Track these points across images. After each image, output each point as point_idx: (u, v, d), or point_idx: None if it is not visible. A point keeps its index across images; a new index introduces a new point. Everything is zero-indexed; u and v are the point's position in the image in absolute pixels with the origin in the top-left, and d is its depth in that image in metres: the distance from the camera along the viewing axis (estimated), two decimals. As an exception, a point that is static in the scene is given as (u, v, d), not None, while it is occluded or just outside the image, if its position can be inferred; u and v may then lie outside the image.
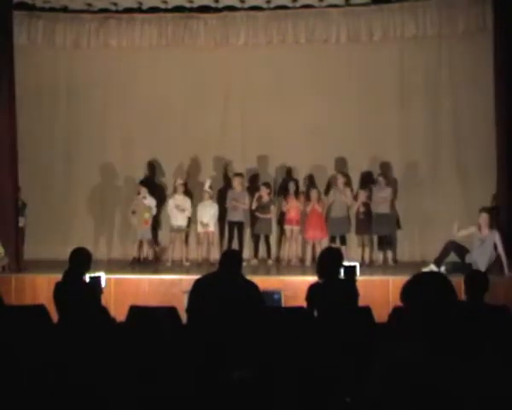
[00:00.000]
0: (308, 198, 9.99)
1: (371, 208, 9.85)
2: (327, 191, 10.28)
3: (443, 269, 8.22)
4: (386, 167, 10.44)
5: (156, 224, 10.41)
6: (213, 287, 4.89)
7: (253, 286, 4.96)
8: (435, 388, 2.31)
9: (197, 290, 4.94)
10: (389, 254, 9.94)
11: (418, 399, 2.32)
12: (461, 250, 8.50)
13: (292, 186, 10.06)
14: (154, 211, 10.06)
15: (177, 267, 9.61)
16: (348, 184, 10.17)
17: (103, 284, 5.81)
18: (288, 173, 10.64)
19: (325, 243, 9.71)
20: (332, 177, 10.46)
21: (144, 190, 9.99)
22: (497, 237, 8.26)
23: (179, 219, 9.92)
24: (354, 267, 5.48)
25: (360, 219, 9.91)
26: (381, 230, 9.84)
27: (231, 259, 5.02)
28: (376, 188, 9.88)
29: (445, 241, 8.73)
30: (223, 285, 4.84)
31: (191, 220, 10.20)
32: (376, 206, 9.78)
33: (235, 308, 4.71)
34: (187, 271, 9.28)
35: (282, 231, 10.35)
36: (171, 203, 9.99)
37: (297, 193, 10.11)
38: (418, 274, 2.61)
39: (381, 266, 9.73)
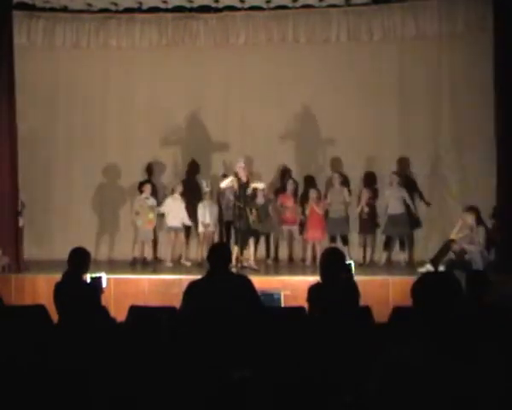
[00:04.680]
0: (306, 199, 10.01)
1: (382, 208, 9.80)
2: (327, 192, 10.28)
3: (442, 268, 8.22)
4: (401, 166, 10.40)
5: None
6: (206, 289, 4.86)
7: (247, 284, 4.94)
8: (435, 388, 2.31)
9: (190, 295, 4.90)
10: (402, 254, 9.75)
11: (417, 399, 2.32)
12: (459, 250, 8.51)
13: (290, 186, 10.06)
14: (155, 211, 10.05)
15: (177, 267, 9.62)
16: (345, 183, 10.17)
17: (104, 284, 5.80)
18: (287, 173, 10.63)
19: (326, 243, 9.69)
20: (329, 177, 10.46)
21: (147, 191, 9.97)
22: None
23: (175, 220, 9.91)
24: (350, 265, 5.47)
25: (363, 219, 9.88)
26: (394, 231, 9.72)
27: (218, 253, 4.98)
28: (390, 188, 9.78)
29: (442, 241, 8.78)
30: (216, 286, 4.82)
31: (190, 220, 10.20)
32: (390, 206, 9.68)
33: (230, 308, 4.70)
34: (188, 271, 9.28)
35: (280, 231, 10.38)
36: (169, 203, 9.98)
37: (296, 193, 10.11)
38: (424, 275, 2.61)
39: (382, 266, 9.72)
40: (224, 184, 9.15)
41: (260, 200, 9.64)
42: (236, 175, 9.04)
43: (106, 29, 10.98)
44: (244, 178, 9.04)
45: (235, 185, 9.00)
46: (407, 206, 9.75)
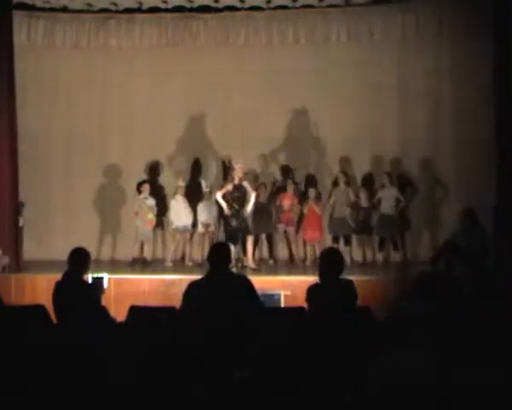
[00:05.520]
0: (305, 198, 10.00)
1: (377, 209, 9.82)
2: (332, 191, 10.25)
3: (442, 268, 8.22)
4: (392, 167, 10.41)
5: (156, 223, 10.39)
6: (206, 289, 4.86)
7: (247, 284, 4.94)
8: (434, 389, 2.31)
9: (190, 295, 4.90)
10: (397, 254, 9.79)
11: (417, 399, 2.32)
12: (458, 250, 8.52)
13: (289, 186, 10.07)
14: (155, 211, 10.05)
15: (177, 267, 9.61)
16: (350, 183, 10.17)
17: (105, 284, 5.82)
18: (288, 173, 10.61)
19: (328, 242, 9.69)
20: (334, 177, 10.46)
21: (146, 191, 9.97)
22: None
23: (184, 220, 9.92)
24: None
25: (360, 220, 9.89)
26: (383, 231, 9.77)
27: (218, 253, 4.98)
28: (382, 188, 9.82)
29: (442, 241, 8.80)
30: (216, 286, 4.82)
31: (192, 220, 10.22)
32: (381, 206, 9.72)
33: (230, 308, 4.70)
34: (188, 271, 9.28)
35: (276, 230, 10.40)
36: (173, 204, 9.98)
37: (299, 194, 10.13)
38: (423, 274, 2.61)
39: (380, 266, 9.73)
40: (221, 198, 9.10)
41: (262, 199, 9.71)
42: (231, 174, 9.08)
43: (106, 29, 10.97)
44: (236, 180, 9.03)
45: (230, 188, 9.01)
46: (399, 206, 9.78)
